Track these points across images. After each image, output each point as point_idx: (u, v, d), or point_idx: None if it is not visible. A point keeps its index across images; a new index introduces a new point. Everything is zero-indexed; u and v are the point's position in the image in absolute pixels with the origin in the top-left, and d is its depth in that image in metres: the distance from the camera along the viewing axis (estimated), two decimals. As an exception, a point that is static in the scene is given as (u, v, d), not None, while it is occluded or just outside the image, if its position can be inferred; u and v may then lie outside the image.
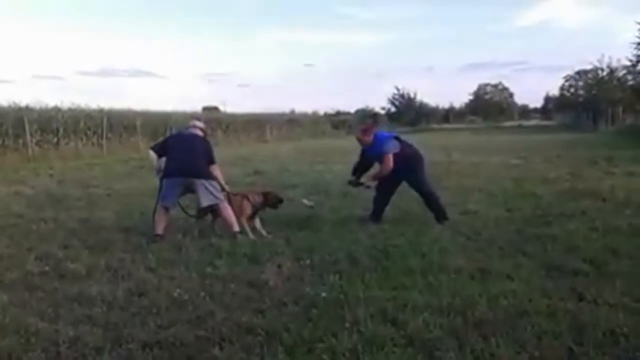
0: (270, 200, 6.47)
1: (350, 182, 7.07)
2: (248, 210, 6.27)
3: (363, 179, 6.93)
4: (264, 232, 6.22)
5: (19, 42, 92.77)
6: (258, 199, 6.38)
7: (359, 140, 6.84)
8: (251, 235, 6.05)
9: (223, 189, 6.32)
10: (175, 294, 4.17)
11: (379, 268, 4.76)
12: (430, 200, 6.71)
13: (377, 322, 3.53)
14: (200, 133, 6.52)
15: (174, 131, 24.48)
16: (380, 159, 6.56)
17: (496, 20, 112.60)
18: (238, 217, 6.14)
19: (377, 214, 6.78)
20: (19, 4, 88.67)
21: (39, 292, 4.34)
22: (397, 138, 6.78)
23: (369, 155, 6.80)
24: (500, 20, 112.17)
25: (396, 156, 6.51)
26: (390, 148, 6.53)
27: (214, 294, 4.21)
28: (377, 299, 3.95)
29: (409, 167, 6.61)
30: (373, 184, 6.79)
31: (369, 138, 6.70)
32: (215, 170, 6.33)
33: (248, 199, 6.31)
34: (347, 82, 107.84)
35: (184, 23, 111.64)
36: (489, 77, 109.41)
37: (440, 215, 6.63)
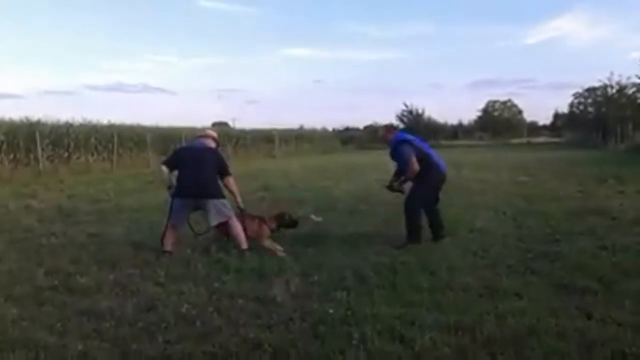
0: (284, 222, 6.52)
1: (388, 187, 6.81)
2: (267, 233, 6.31)
3: (396, 185, 6.70)
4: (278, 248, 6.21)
5: (29, 57, 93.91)
6: (272, 224, 6.43)
7: (384, 137, 6.80)
8: (280, 253, 5.97)
9: (239, 207, 6.34)
10: (184, 310, 4.19)
11: (386, 285, 4.75)
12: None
13: (384, 340, 3.53)
14: (212, 144, 6.52)
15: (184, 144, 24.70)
16: (404, 164, 6.46)
17: (503, 38, 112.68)
18: (258, 239, 6.20)
19: (416, 233, 6.44)
20: (28, 18, 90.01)
21: (48, 306, 4.39)
22: (409, 142, 6.51)
23: (391, 157, 6.73)
24: (507, 38, 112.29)
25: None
26: (405, 152, 6.39)
27: (221, 309, 4.23)
28: (385, 316, 3.95)
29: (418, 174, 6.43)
30: (406, 187, 6.64)
31: (390, 136, 6.68)
32: (230, 183, 6.32)
33: (265, 223, 6.36)
34: (356, 98, 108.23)
35: (193, 39, 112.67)
36: (497, 94, 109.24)
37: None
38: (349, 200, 10.57)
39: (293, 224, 6.61)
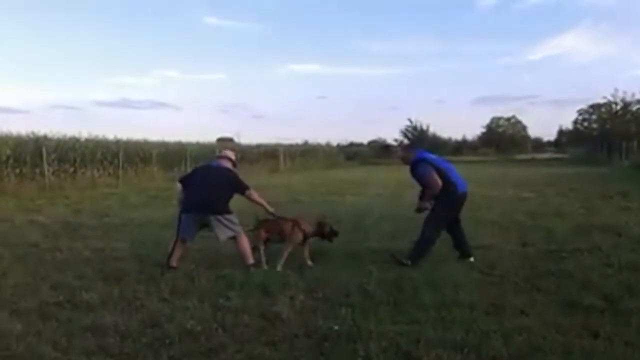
0: (324, 231, 6.46)
1: (419, 210, 6.56)
2: (299, 237, 6.29)
3: (424, 203, 6.49)
4: (309, 262, 6.24)
5: (36, 73, 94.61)
6: (310, 228, 6.39)
7: (402, 158, 6.72)
8: (265, 266, 6.08)
9: (271, 213, 6.42)
10: (188, 325, 4.19)
11: (391, 302, 4.74)
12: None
13: (390, 357, 3.52)
14: (227, 164, 6.58)
15: (192, 161, 24.83)
16: (424, 183, 6.39)
17: (507, 55, 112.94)
18: (287, 243, 6.23)
19: (422, 255, 6.30)
20: (35, 35, 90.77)
21: (53, 321, 4.38)
22: (427, 161, 6.40)
23: (412, 175, 6.59)
24: (511, 55, 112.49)
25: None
26: (426, 172, 6.29)
27: (226, 325, 4.22)
28: (390, 333, 3.93)
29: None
30: (429, 204, 6.44)
31: (410, 155, 6.58)
32: (253, 196, 6.38)
33: (300, 227, 6.32)
34: (360, 113, 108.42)
35: (198, 55, 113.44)
36: (501, 111, 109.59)
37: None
38: (353, 215, 10.57)
39: (333, 234, 6.53)
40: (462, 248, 6.55)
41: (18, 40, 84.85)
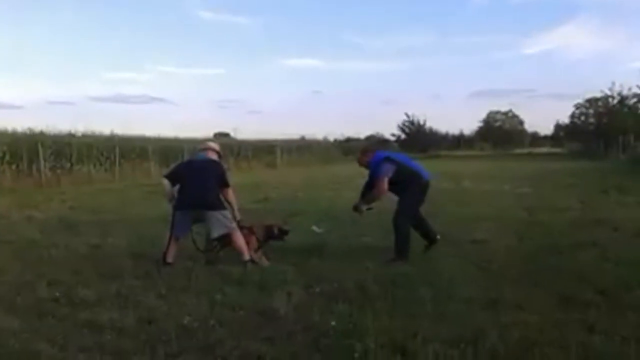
0: (272, 233, 6.43)
1: (355, 208, 6.70)
2: (254, 243, 6.27)
3: (362, 204, 6.62)
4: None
5: (31, 68, 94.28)
6: (261, 232, 6.36)
7: (359, 161, 6.75)
8: (265, 264, 6.04)
9: (235, 219, 6.30)
10: (185, 322, 4.18)
11: (388, 297, 4.73)
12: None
13: (387, 353, 3.51)
14: (213, 156, 6.53)
15: (189, 156, 24.74)
16: (374, 182, 6.44)
17: (503, 49, 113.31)
18: (246, 250, 6.15)
19: (406, 249, 6.27)
20: (30, 29, 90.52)
21: (49, 318, 4.37)
22: (390, 159, 6.49)
23: (370, 177, 6.65)
24: (507, 49, 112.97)
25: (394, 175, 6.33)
26: (383, 171, 6.32)
27: (223, 321, 4.21)
28: (387, 328, 3.92)
29: (402, 187, 6.38)
30: (372, 205, 6.57)
31: (367, 159, 6.60)
32: (229, 194, 6.31)
33: (254, 232, 6.31)
34: (356, 109, 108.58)
35: (194, 50, 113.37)
36: (498, 105, 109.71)
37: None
38: (350, 210, 10.55)
39: (282, 234, 6.50)
40: (429, 235, 6.58)
41: (12, 35, 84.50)
